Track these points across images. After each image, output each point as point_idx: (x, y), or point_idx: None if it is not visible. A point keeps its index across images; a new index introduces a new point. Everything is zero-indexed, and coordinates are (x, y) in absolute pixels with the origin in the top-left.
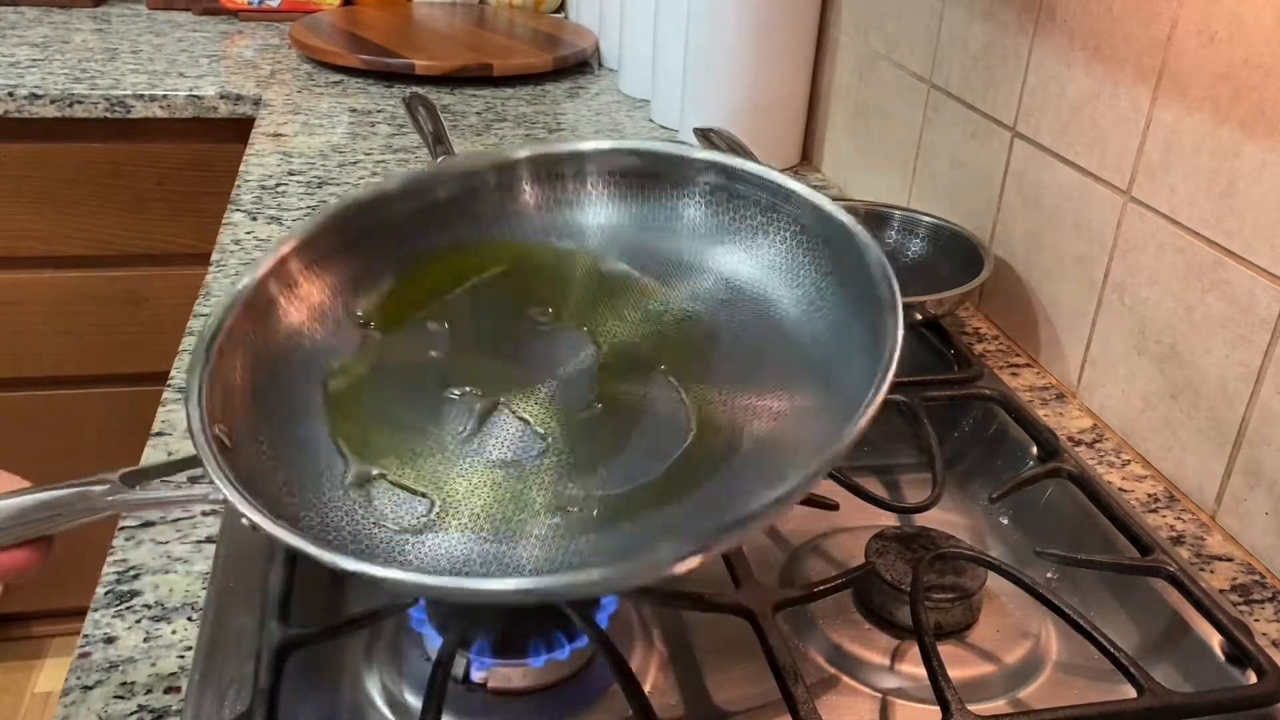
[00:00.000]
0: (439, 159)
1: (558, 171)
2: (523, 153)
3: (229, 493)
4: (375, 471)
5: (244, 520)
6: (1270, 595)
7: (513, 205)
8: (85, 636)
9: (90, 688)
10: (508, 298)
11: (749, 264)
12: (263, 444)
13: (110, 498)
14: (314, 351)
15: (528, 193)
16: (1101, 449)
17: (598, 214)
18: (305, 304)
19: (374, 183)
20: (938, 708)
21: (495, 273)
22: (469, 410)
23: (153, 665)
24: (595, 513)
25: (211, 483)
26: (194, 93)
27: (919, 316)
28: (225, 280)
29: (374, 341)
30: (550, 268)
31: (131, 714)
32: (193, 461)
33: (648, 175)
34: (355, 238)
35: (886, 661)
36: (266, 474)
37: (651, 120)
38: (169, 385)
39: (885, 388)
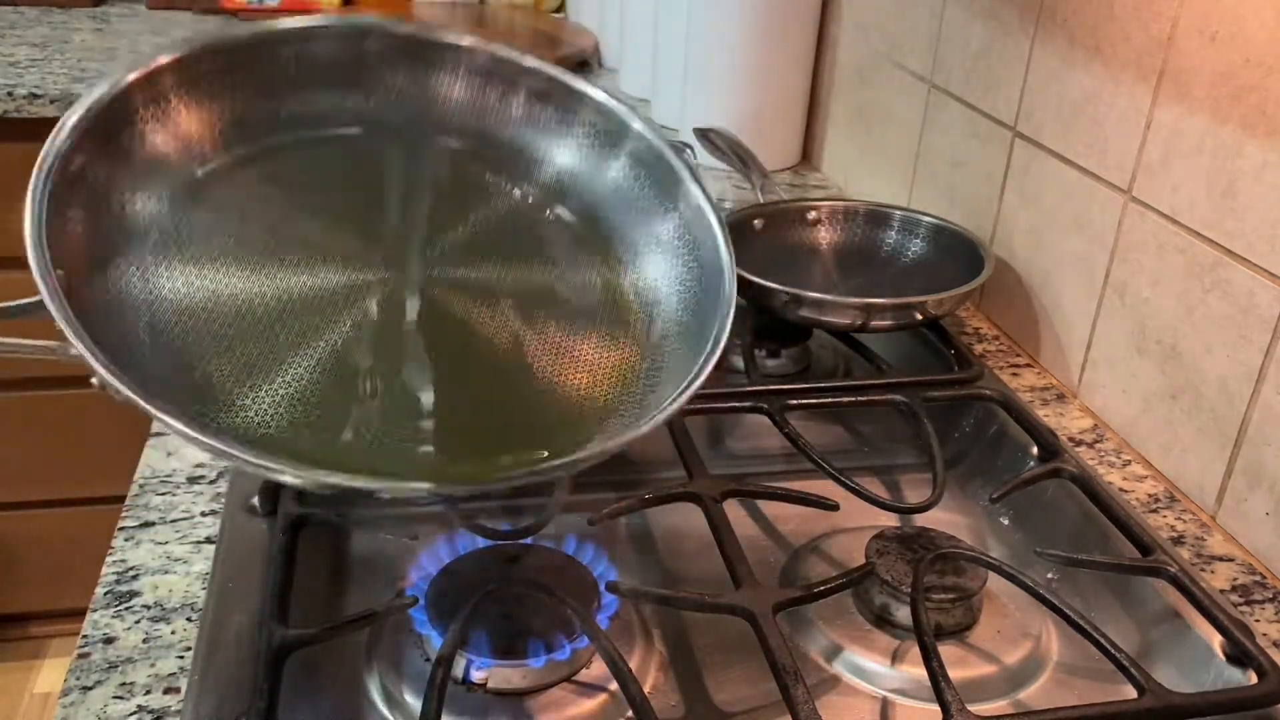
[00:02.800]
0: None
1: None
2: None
3: (76, 342)
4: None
5: (93, 381)
6: (1271, 595)
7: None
8: (85, 637)
9: (90, 688)
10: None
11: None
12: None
13: None
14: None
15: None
16: (1102, 449)
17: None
18: (173, 131)
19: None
20: (938, 708)
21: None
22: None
23: (152, 666)
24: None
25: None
26: None
27: (919, 316)
28: None
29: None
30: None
31: (131, 714)
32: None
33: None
34: (238, 72)
35: (886, 662)
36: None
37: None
38: None
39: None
